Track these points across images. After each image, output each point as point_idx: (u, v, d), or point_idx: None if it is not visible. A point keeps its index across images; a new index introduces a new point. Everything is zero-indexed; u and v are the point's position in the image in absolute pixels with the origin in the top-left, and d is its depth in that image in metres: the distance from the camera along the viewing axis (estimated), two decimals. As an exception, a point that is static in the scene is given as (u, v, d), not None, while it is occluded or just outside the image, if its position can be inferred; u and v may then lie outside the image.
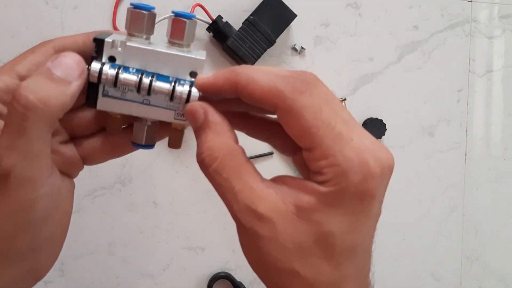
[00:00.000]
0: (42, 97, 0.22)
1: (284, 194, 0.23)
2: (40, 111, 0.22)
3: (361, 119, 0.62)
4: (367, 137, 0.24)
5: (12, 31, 0.52)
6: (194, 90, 0.26)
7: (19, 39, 0.52)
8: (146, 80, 0.25)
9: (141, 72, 0.26)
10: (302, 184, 0.24)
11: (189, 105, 0.25)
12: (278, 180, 0.25)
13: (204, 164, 0.24)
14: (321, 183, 0.23)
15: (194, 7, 0.53)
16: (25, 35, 0.52)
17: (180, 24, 0.26)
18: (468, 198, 0.67)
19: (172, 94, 0.26)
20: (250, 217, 0.23)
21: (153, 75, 0.26)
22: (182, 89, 0.26)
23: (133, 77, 0.25)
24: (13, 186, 0.22)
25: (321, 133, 0.22)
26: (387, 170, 0.24)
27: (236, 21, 0.55)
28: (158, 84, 0.26)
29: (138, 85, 0.25)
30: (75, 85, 0.24)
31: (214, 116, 0.24)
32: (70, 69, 0.24)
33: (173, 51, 0.26)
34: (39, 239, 0.25)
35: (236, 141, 0.25)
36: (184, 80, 0.26)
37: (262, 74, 0.23)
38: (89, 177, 0.54)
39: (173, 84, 0.26)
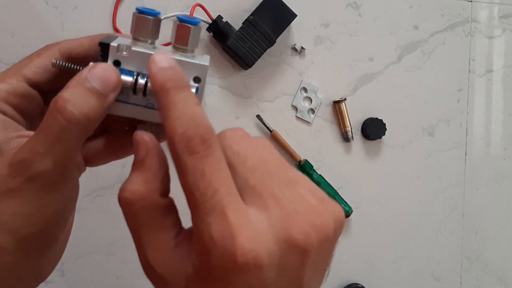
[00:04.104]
0: (85, 111, 0.23)
1: (189, 253, 0.22)
2: (82, 124, 0.23)
3: (361, 119, 0.62)
4: (260, 216, 0.21)
5: (12, 31, 0.52)
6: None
7: (19, 39, 0.52)
8: (141, 81, 0.25)
9: (136, 73, 0.26)
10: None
11: (138, 133, 0.24)
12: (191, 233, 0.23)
13: (120, 203, 0.23)
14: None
15: (194, 7, 0.53)
16: (25, 35, 0.52)
17: (184, 30, 0.26)
18: (468, 198, 0.67)
19: None
20: (149, 273, 0.23)
21: (149, 76, 0.26)
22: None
23: (128, 78, 0.25)
24: (40, 188, 0.23)
25: (194, 202, 0.21)
26: (260, 265, 0.20)
27: (236, 21, 0.55)
28: None
29: (134, 86, 0.25)
30: (111, 97, 0.24)
31: (154, 161, 0.23)
32: (107, 81, 0.24)
33: (177, 56, 0.26)
34: (50, 240, 0.26)
35: (165, 193, 0.23)
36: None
37: (180, 109, 0.22)
38: (89, 177, 0.54)
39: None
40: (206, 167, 0.21)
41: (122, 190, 0.22)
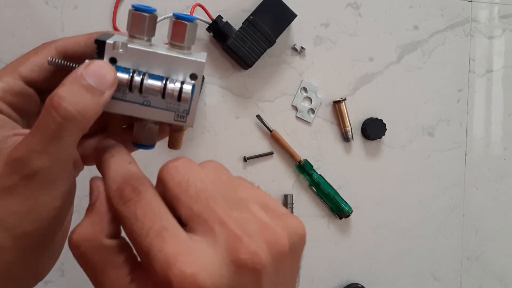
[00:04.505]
0: (81, 108, 0.23)
1: (146, 287, 0.22)
2: (77, 121, 0.23)
3: (361, 119, 0.62)
4: (205, 242, 0.21)
5: (12, 31, 0.52)
6: (186, 86, 0.26)
7: (19, 39, 0.52)
8: (137, 78, 0.25)
9: (132, 70, 0.26)
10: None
11: (93, 178, 0.25)
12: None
13: (69, 245, 0.23)
14: None
15: (194, 7, 0.53)
16: (25, 35, 0.52)
17: (181, 27, 0.26)
18: (468, 198, 0.67)
19: (163, 92, 0.26)
20: None
21: (144, 73, 0.26)
22: (173, 86, 0.26)
23: (124, 76, 0.25)
24: (36, 186, 0.23)
25: (135, 245, 0.22)
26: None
27: (236, 21, 0.55)
28: (150, 82, 0.26)
29: (130, 83, 0.25)
30: (108, 95, 0.24)
31: (102, 205, 0.24)
32: (103, 78, 0.24)
33: (174, 53, 0.26)
34: (48, 239, 0.26)
35: (114, 235, 0.24)
36: (177, 78, 0.26)
37: (113, 169, 0.24)
38: (89, 177, 0.54)
39: (164, 81, 0.26)
40: (138, 211, 0.22)
41: (71, 233, 0.23)
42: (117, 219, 0.23)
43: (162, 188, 0.23)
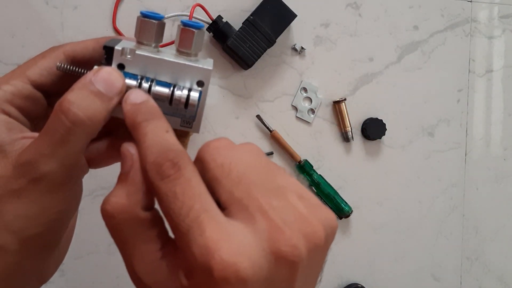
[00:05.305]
0: (89, 113, 0.23)
1: (176, 265, 0.22)
2: (86, 126, 0.23)
3: (361, 119, 0.62)
4: (245, 229, 0.20)
5: (12, 31, 0.52)
6: (194, 94, 0.26)
7: (19, 39, 0.52)
8: (145, 85, 0.26)
9: (140, 77, 0.26)
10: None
11: (125, 145, 0.24)
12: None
13: (102, 215, 0.23)
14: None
15: (194, 7, 0.53)
16: (25, 35, 0.52)
17: (188, 34, 0.27)
18: (468, 198, 0.67)
19: (171, 98, 0.26)
20: (138, 284, 0.22)
21: (152, 80, 0.26)
22: (181, 93, 0.26)
23: (132, 82, 0.26)
24: (44, 189, 0.23)
25: (173, 224, 0.21)
26: (244, 278, 0.19)
27: (236, 21, 0.56)
28: (157, 89, 0.26)
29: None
30: (116, 101, 0.24)
31: (137, 174, 0.23)
32: (112, 85, 0.24)
33: (181, 60, 0.27)
34: (53, 241, 0.26)
35: (148, 206, 0.23)
36: (184, 85, 0.26)
37: (150, 137, 0.23)
38: (89, 177, 0.53)
39: (172, 88, 0.26)
40: (177, 189, 0.21)
41: (104, 203, 0.22)
42: (151, 191, 0.22)
43: (201, 168, 0.23)
